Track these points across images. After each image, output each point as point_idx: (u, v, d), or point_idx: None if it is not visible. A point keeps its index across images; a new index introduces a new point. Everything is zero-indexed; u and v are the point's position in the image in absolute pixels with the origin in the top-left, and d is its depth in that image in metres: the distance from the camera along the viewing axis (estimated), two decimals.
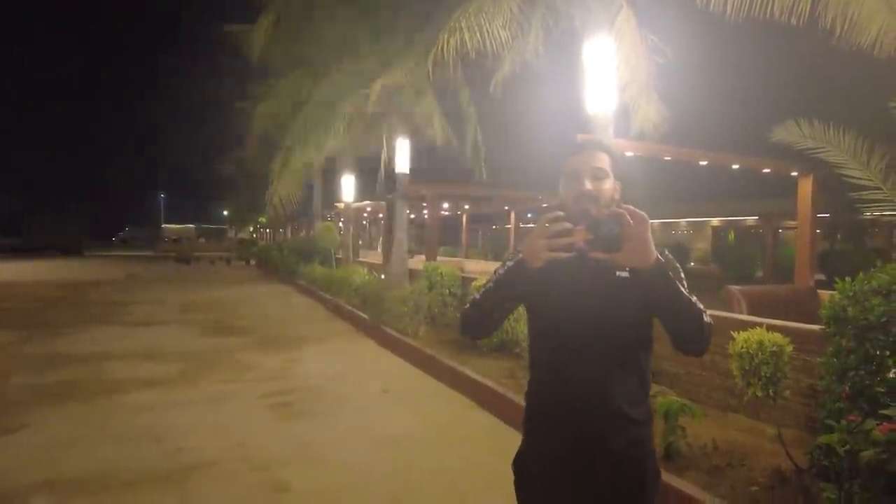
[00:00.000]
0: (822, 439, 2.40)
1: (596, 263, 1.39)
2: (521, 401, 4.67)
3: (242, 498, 3.36)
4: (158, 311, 11.38)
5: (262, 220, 45.63)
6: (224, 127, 27.90)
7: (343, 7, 9.63)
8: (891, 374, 2.74)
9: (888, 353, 2.76)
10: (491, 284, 1.51)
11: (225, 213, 56.08)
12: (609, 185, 1.48)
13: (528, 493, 1.56)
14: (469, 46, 6.53)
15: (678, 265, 1.44)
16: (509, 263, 1.49)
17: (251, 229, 54.54)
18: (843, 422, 2.34)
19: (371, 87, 8.41)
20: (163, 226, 49.69)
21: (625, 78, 6.70)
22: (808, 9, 5.57)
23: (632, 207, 1.28)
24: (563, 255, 1.31)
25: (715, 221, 28.93)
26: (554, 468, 1.49)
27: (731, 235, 27.72)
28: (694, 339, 1.39)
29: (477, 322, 1.54)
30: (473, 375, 5.52)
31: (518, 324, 6.20)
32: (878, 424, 2.19)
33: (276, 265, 20.48)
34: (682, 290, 1.35)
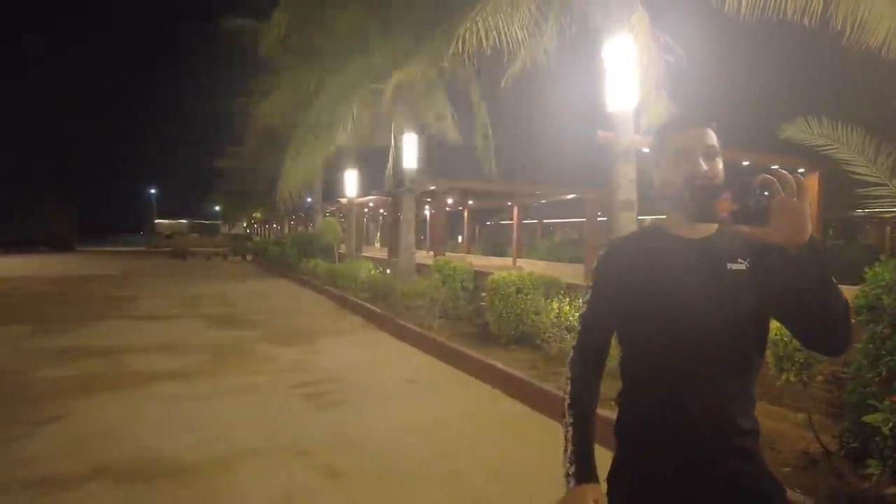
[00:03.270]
0: (867, 418, 2.54)
1: (701, 254, 1.30)
2: (548, 389, 4.83)
3: (295, 482, 3.47)
4: (164, 306, 11.41)
5: (257, 215, 45.53)
6: (220, 122, 27.78)
7: (354, 3, 9.69)
8: None
9: None
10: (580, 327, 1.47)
11: (217, 208, 55.81)
12: (721, 166, 1.29)
13: None
14: (485, 44, 6.64)
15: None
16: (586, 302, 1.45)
17: (244, 224, 54.34)
18: (887, 402, 2.48)
19: (385, 83, 8.51)
20: (156, 221, 49.29)
21: (636, 76, 6.84)
22: (819, 9, 5.72)
23: (786, 173, 1.08)
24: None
25: None
26: (657, 489, 1.30)
27: None
28: (841, 330, 1.17)
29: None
30: (500, 366, 5.64)
31: (539, 316, 6.34)
32: None
33: (276, 260, 20.51)
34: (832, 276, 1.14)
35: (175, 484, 3.42)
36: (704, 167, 1.26)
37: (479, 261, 14.54)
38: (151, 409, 4.84)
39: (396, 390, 5.55)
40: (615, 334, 1.44)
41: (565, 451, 1.39)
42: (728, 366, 1.26)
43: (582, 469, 1.36)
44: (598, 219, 13.68)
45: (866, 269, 3.29)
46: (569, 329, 5.84)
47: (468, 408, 5.03)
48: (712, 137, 1.30)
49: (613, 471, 1.42)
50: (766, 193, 1.06)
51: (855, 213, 20.15)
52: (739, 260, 1.28)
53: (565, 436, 1.40)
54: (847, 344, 1.19)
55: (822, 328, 1.17)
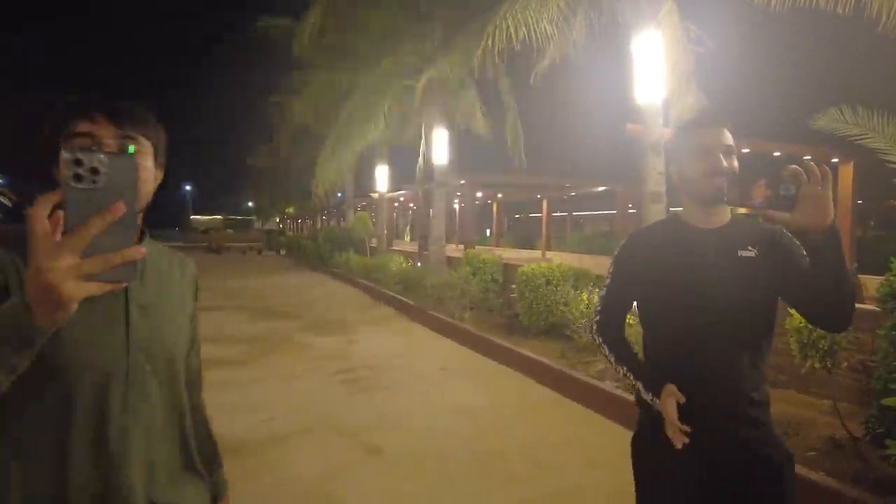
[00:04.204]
0: (887, 401, 2.66)
1: (715, 242, 1.44)
2: (578, 377, 4.99)
3: (340, 458, 3.73)
4: (205, 298, 11.82)
5: (290, 210, 46.38)
6: (253, 120, 28.42)
7: (386, 2, 9.91)
8: None
9: None
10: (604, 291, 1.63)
11: (250, 204, 57.04)
12: (737, 163, 1.44)
13: (647, 476, 1.54)
14: (515, 40, 6.77)
15: None
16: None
17: (277, 220, 55.38)
18: None
19: (416, 80, 8.72)
20: (191, 217, 50.72)
21: (665, 69, 6.89)
22: None
23: (813, 165, 1.20)
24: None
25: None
26: (675, 453, 1.41)
27: (760, 221, 27.42)
28: (847, 310, 1.32)
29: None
30: (531, 355, 5.83)
31: (568, 307, 6.48)
32: None
33: (309, 254, 20.98)
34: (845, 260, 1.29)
35: (233, 458, 3.70)
36: (724, 163, 1.40)
37: (508, 253, 14.68)
38: (207, 393, 5.14)
39: (431, 377, 5.79)
40: (638, 313, 1.61)
41: (626, 377, 1.54)
42: (739, 342, 1.41)
43: (647, 379, 1.48)
44: (629, 211, 13.68)
45: (892, 259, 3.36)
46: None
47: (500, 393, 5.23)
48: (729, 137, 1.44)
49: (637, 435, 1.58)
50: (793, 183, 1.20)
51: (894, 203, 19.58)
52: (749, 248, 1.42)
53: (617, 368, 1.56)
54: (849, 322, 1.34)
55: (831, 308, 1.32)
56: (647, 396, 1.45)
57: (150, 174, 1.05)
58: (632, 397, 4.55)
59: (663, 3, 6.32)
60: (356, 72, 11.04)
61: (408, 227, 35.61)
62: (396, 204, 25.76)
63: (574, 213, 30.94)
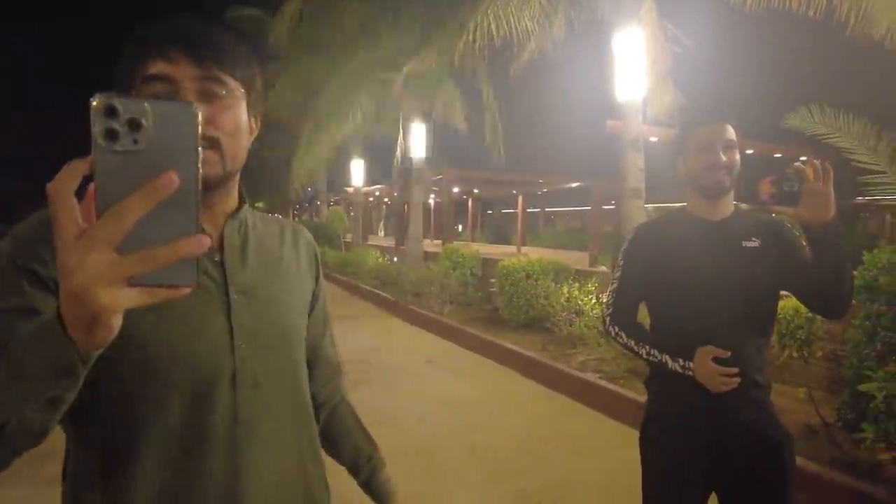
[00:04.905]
0: (863, 387, 2.78)
1: (720, 234, 1.50)
2: (562, 369, 5.08)
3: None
4: None
5: (260, 205, 45.70)
6: None
7: None
8: None
9: None
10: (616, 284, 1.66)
11: None
12: (738, 157, 1.51)
13: (658, 457, 1.58)
14: (496, 36, 6.82)
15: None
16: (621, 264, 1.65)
17: None
18: (881, 372, 2.72)
19: (394, 74, 8.68)
20: None
21: (644, 67, 7.01)
22: (824, 2, 5.88)
23: (816, 161, 1.28)
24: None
25: None
26: (685, 434, 1.50)
27: None
28: (846, 298, 1.40)
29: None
30: (515, 348, 5.90)
31: (548, 300, 6.57)
32: None
33: None
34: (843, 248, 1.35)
35: None
36: (724, 158, 1.46)
37: (484, 248, 14.76)
38: None
39: (417, 370, 5.81)
40: (645, 303, 1.67)
41: (650, 355, 1.55)
42: (744, 328, 1.48)
43: (671, 348, 1.51)
44: (604, 207, 13.89)
45: (865, 253, 3.52)
46: (578, 313, 6.08)
47: (487, 386, 5.29)
48: (731, 132, 1.50)
49: (646, 418, 1.64)
50: (797, 179, 1.28)
51: (856, 201, 20.32)
52: (753, 238, 1.49)
53: (638, 352, 1.58)
54: (847, 309, 1.42)
55: (832, 297, 1.40)
56: (677, 364, 1.48)
57: (243, 126, 0.84)
58: (614, 387, 4.64)
59: (644, 0, 6.43)
60: (332, 64, 10.94)
61: (381, 223, 35.47)
62: (371, 199, 25.63)
63: (547, 209, 31.25)
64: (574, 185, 15.42)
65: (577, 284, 6.58)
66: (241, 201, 0.92)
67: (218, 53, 0.80)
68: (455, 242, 13.21)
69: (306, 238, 1.05)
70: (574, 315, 6.09)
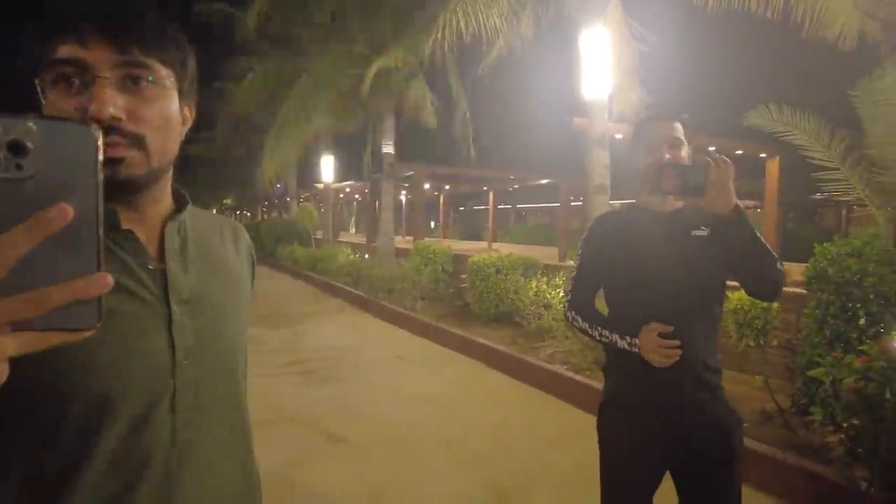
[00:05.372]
0: (812, 373, 2.93)
1: (671, 224, 1.58)
2: (530, 361, 5.18)
3: (303, 447, 3.74)
4: None
5: (228, 201, 44.95)
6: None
7: None
8: (861, 322, 3.31)
9: (859, 304, 3.32)
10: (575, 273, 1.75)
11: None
12: (685, 153, 1.57)
13: (613, 438, 1.65)
14: (465, 34, 6.87)
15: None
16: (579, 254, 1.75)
17: (214, 211, 53.55)
18: (829, 357, 2.86)
19: (364, 69, 8.67)
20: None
21: (610, 65, 7.14)
22: (781, 4, 6.09)
23: (718, 156, 1.37)
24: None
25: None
26: (639, 415, 1.58)
27: None
28: (770, 280, 1.48)
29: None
30: (485, 342, 5.98)
31: (518, 295, 6.67)
32: (857, 357, 2.72)
33: None
34: (760, 235, 1.45)
35: None
36: (667, 155, 1.54)
37: (456, 245, 14.83)
38: None
39: (387, 366, 5.85)
40: (603, 290, 1.75)
41: (602, 336, 1.64)
42: (695, 314, 1.56)
43: (620, 328, 1.60)
44: (572, 203, 14.10)
45: (816, 246, 3.68)
46: (546, 306, 6.20)
47: (458, 380, 5.35)
48: (678, 130, 1.58)
49: (604, 401, 1.72)
50: (702, 172, 1.37)
51: (814, 197, 21.01)
52: (702, 228, 1.57)
53: (592, 333, 1.67)
54: (778, 290, 1.51)
55: (759, 276, 1.49)
56: (625, 342, 1.57)
57: (173, 119, 0.74)
58: (580, 378, 4.75)
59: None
60: (302, 60, 10.86)
61: (352, 219, 35.29)
62: (342, 195, 25.47)
63: (518, 206, 31.51)
64: (544, 181, 15.61)
65: (545, 279, 6.69)
66: (182, 201, 0.84)
67: (143, 34, 0.69)
68: (427, 239, 13.25)
69: (245, 237, 0.97)
70: (543, 309, 6.20)
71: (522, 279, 6.87)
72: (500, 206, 25.60)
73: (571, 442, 3.78)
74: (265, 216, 31.91)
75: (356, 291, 9.92)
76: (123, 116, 0.68)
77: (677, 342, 1.49)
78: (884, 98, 5.59)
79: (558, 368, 4.92)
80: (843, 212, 23.26)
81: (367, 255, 12.35)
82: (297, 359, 6.07)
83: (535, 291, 6.44)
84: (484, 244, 17.13)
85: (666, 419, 1.57)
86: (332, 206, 18.05)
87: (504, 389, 5.05)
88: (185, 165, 39.81)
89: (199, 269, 0.81)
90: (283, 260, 16.19)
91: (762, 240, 1.45)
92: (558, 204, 14.94)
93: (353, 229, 33.47)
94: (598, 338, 1.66)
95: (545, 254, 11.24)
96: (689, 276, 1.54)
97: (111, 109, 0.66)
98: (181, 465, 0.74)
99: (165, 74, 0.72)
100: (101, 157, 0.42)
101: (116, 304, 0.67)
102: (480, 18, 6.88)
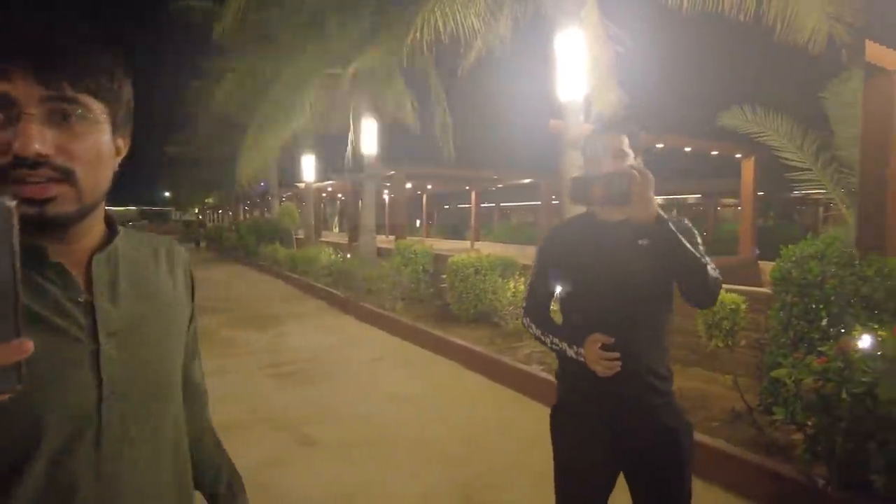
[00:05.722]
0: (774, 373, 2.99)
1: (618, 234, 1.59)
2: (507, 362, 5.21)
3: (275, 449, 3.74)
4: None
5: (209, 201, 44.57)
6: (171, 105, 26.99)
7: None
8: (823, 323, 3.38)
9: (822, 306, 3.39)
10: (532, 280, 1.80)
11: (167, 194, 54.36)
12: (629, 163, 1.58)
13: (565, 441, 1.71)
14: (443, 33, 6.87)
15: (695, 231, 1.60)
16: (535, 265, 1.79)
17: (196, 211, 53.07)
18: (790, 358, 2.93)
19: (343, 69, 8.64)
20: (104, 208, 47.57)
21: (587, 66, 7.19)
22: (753, 7, 6.17)
23: (641, 167, 1.42)
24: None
25: (659, 200, 30.25)
26: (589, 420, 1.63)
27: (674, 213, 29.19)
28: (699, 289, 1.50)
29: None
30: (461, 342, 6.00)
31: (496, 295, 6.70)
32: (816, 358, 2.78)
33: (232, 246, 20.31)
34: (686, 244, 1.47)
35: None
36: (610, 169, 1.56)
37: (438, 244, 14.85)
38: None
39: (365, 367, 5.85)
40: (557, 297, 1.79)
41: (553, 344, 1.69)
42: (641, 321, 1.60)
43: (569, 336, 1.64)
44: (553, 202, 14.18)
45: (781, 247, 3.75)
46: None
47: (434, 381, 5.37)
48: (623, 142, 1.60)
49: (556, 406, 1.76)
50: (626, 181, 1.40)
51: (792, 195, 21.35)
52: (646, 238, 1.56)
53: (544, 340, 1.72)
54: (710, 298, 1.53)
55: (688, 285, 1.52)
56: (573, 351, 1.61)
57: (104, 153, 0.73)
58: (554, 378, 4.78)
59: (585, 1, 6.60)
60: (281, 59, 10.78)
61: (336, 218, 35.14)
62: (324, 194, 25.37)
63: (502, 204, 31.61)
64: (525, 181, 15.68)
65: (522, 279, 6.73)
66: (112, 229, 0.82)
67: (73, 68, 0.68)
68: (409, 238, 13.25)
69: (182, 258, 0.95)
70: (520, 309, 6.23)
71: (500, 280, 6.90)
72: (483, 205, 25.68)
73: (544, 442, 3.75)
74: (247, 215, 31.67)
75: (336, 292, 9.89)
76: (51, 152, 0.67)
77: (617, 354, 1.52)
78: (851, 100, 5.71)
79: (534, 369, 4.96)
80: (821, 210, 23.70)
81: (349, 255, 12.31)
82: (275, 361, 6.05)
83: (514, 292, 6.47)
84: (467, 243, 17.18)
85: (613, 425, 1.61)
86: (315, 205, 17.95)
87: (480, 390, 5.08)
88: (168, 165, 39.50)
89: (130, 299, 0.80)
90: (264, 260, 16.09)
91: (689, 248, 1.47)
92: (540, 203, 15.02)
93: (337, 228, 33.35)
94: (549, 345, 1.70)
95: (526, 253, 11.30)
96: (634, 284, 1.57)
97: (37, 146, 0.65)
98: (106, 499, 0.74)
99: (97, 108, 0.71)
100: (16, 226, 0.42)
101: (43, 342, 0.65)
102: (458, 18, 6.89)
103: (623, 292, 1.57)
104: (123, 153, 0.80)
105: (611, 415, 1.61)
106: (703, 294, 1.51)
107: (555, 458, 1.73)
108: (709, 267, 1.49)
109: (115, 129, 0.76)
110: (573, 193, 1.59)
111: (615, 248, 1.60)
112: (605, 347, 1.54)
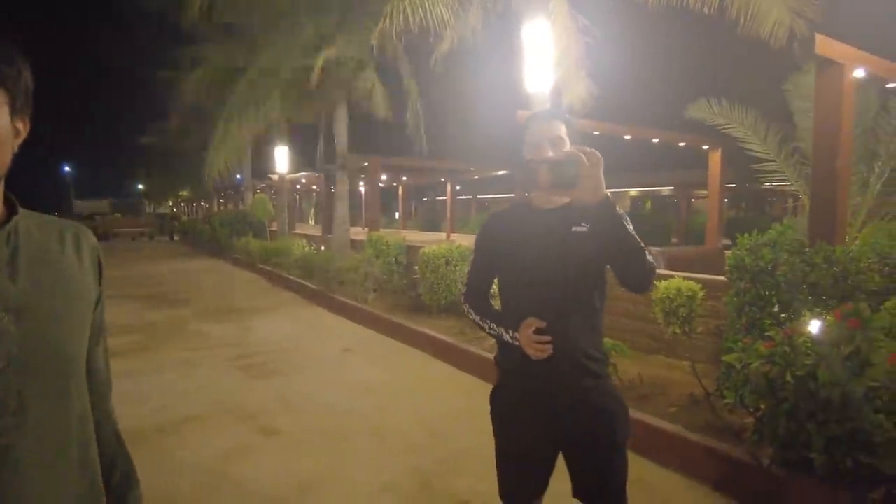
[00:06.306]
0: (726, 358, 3.07)
1: (552, 220, 1.62)
2: (473, 351, 5.25)
3: (238, 441, 3.72)
4: None
5: (184, 194, 43.85)
6: (142, 96, 26.43)
7: None
8: (774, 309, 3.48)
9: (773, 292, 3.49)
10: (470, 268, 1.83)
11: (140, 186, 53.30)
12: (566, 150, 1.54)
13: (503, 424, 1.74)
14: (412, 23, 6.83)
15: (628, 219, 1.55)
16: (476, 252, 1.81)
17: (171, 204, 52.21)
18: (740, 343, 3.01)
19: (315, 59, 8.55)
20: (74, 201, 46.50)
21: (556, 57, 7.22)
22: (717, 1, 6.25)
23: (588, 149, 1.40)
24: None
25: (633, 192, 30.66)
26: (526, 402, 1.67)
27: (648, 204, 29.53)
28: (638, 272, 1.52)
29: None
30: (430, 333, 6.03)
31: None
32: (764, 343, 2.86)
33: (205, 239, 20.05)
34: (629, 226, 1.48)
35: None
36: (547, 154, 1.58)
37: (414, 236, 14.85)
38: None
39: (333, 359, 5.84)
40: (496, 282, 1.82)
41: (490, 328, 1.72)
42: (574, 305, 1.63)
43: (506, 321, 1.67)
44: (526, 194, 14.21)
45: (738, 236, 3.84)
46: (493, 297, 6.28)
47: (401, 371, 5.39)
48: (561, 129, 1.63)
49: (495, 389, 1.79)
50: (574, 164, 1.39)
51: (763, 187, 21.69)
52: (582, 224, 1.62)
53: (483, 325, 1.75)
54: (647, 283, 1.54)
55: (627, 269, 1.52)
56: (508, 336, 1.64)
57: (4, 135, 0.78)
58: (488, 354, 4.81)
59: None
60: (251, 49, 10.63)
61: (312, 210, 34.86)
62: (298, 186, 25.12)
63: (479, 196, 31.67)
64: (500, 172, 15.72)
65: None
66: (11, 208, 0.84)
67: None
68: (384, 230, 13.21)
69: (89, 241, 0.96)
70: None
71: None
72: (460, 197, 25.70)
73: None
74: (222, 208, 31.25)
75: (309, 284, 9.84)
76: None
77: (549, 338, 1.55)
78: (809, 93, 5.83)
79: None
80: (790, 201, 24.21)
81: (322, 247, 12.24)
82: (243, 353, 6.01)
83: None
84: (443, 235, 17.18)
85: (550, 407, 1.64)
86: (289, 196, 17.79)
87: (446, 379, 5.11)
88: (141, 157, 38.74)
89: (30, 276, 0.82)
90: (237, 252, 15.92)
91: (632, 232, 1.49)
92: (515, 194, 15.07)
93: (313, 220, 33.10)
94: (487, 330, 1.73)
95: None
96: (566, 270, 1.60)
97: None
98: (5, 468, 0.75)
99: None
100: None
101: None
102: (427, 7, 6.85)
103: (556, 278, 1.60)
104: (23, 136, 0.83)
105: (547, 397, 1.64)
106: (641, 277, 1.53)
107: (495, 440, 1.76)
108: (646, 251, 1.51)
109: (15, 112, 0.79)
110: (523, 178, 1.62)
111: (547, 235, 1.62)
112: (538, 331, 1.57)
